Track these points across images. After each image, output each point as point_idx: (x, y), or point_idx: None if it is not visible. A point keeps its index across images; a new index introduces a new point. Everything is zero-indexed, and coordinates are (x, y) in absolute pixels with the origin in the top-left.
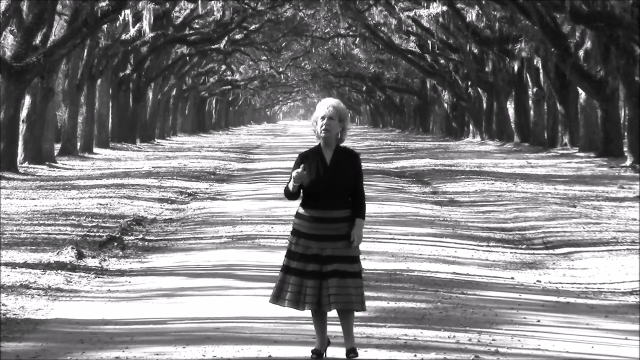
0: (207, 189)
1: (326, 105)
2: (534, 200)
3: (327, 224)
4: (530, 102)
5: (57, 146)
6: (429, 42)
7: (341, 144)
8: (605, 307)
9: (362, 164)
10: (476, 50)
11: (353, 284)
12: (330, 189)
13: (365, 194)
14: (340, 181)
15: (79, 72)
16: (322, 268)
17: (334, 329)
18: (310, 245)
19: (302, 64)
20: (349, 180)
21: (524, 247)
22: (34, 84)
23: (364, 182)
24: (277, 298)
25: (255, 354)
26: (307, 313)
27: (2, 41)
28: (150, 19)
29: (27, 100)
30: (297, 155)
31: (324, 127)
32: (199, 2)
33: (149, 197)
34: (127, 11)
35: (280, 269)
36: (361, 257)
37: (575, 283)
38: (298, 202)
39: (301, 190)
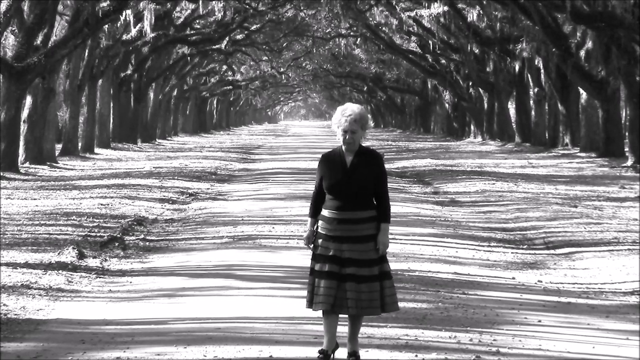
0: (208, 189)
1: (350, 120)
2: (535, 201)
3: (346, 225)
4: (531, 102)
5: (58, 146)
6: (430, 42)
7: (363, 144)
8: (606, 307)
9: None
10: (477, 50)
11: (368, 289)
12: (349, 190)
13: None
14: (359, 183)
15: (80, 73)
16: (341, 270)
17: (339, 328)
18: (329, 246)
19: (303, 64)
20: (369, 182)
21: (525, 247)
22: (35, 84)
23: None
24: (310, 303)
25: (256, 354)
26: (310, 313)
27: (3, 41)
28: (151, 19)
29: (28, 100)
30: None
31: (348, 140)
32: (200, 2)
33: (150, 197)
34: (128, 11)
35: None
36: None
37: (576, 283)
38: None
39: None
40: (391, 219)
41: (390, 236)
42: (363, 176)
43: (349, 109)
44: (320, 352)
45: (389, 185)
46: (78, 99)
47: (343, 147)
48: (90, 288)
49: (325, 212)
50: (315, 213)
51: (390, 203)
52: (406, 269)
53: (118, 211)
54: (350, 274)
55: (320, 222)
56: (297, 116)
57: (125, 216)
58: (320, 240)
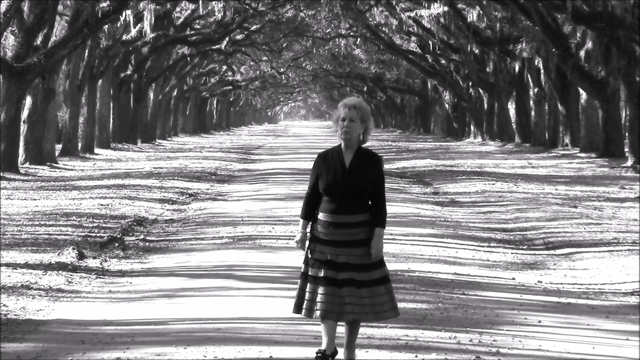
0: (208, 189)
1: (348, 106)
2: (535, 201)
3: (342, 229)
4: (531, 102)
5: (58, 147)
6: (430, 42)
7: (364, 145)
8: (606, 307)
9: None
10: (477, 50)
11: (368, 294)
12: (347, 192)
13: None
14: (357, 184)
15: (80, 73)
16: (336, 275)
17: (338, 329)
18: (324, 250)
19: (303, 65)
20: (367, 184)
21: (525, 247)
22: (35, 85)
23: None
24: (298, 307)
25: (256, 354)
26: None
27: (3, 42)
28: (151, 19)
29: (28, 100)
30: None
31: (344, 129)
32: (200, 2)
33: (150, 198)
34: (128, 12)
35: (299, 276)
36: None
37: (576, 284)
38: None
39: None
40: (390, 220)
41: (390, 237)
42: (362, 178)
43: (349, 99)
44: (318, 352)
45: (389, 185)
46: (78, 99)
47: (342, 145)
48: (90, 288)
49: (320, 216)
50: (308, 215)
51: (390, 203)
52: (406, 270)
53: (118, 211)
54: (348, 278)
55: (315, 225)
56: (297, 116)
57: (125, 216)
58: (316, 245)
